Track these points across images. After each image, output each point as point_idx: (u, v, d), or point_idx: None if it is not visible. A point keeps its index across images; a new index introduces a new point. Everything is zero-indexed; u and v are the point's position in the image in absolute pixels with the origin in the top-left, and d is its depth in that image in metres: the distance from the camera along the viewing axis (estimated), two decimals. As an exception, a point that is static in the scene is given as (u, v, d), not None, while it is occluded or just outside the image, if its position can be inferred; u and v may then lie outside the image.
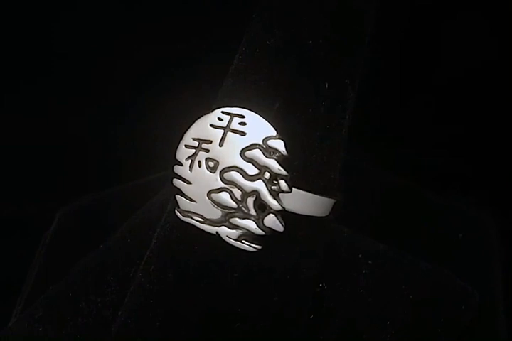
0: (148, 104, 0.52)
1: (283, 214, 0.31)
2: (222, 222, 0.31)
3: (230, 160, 0.31)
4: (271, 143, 0.30)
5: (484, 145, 0.51)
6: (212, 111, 0.32)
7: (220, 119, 0.31)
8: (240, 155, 0.30)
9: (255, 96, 0.33)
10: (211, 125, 0.31)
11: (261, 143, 0.30)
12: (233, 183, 0.30)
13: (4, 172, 0.50)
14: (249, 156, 0.30)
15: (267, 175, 0.30)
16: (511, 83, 0.50)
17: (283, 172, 0.30)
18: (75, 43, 0.52)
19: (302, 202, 0.31)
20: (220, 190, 0.31)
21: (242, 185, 0.30)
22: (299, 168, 0.32)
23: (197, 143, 0.31)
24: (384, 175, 0.46)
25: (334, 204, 0.33)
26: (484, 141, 0.51)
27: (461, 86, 0.51)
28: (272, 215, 0.31)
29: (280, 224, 0.31)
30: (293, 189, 0.31)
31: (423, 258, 0.38)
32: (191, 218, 0.31)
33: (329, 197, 0.32)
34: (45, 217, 0.47)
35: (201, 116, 0.32)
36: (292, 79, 0.33)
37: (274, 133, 0.30)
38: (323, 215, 0.32)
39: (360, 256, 0.36)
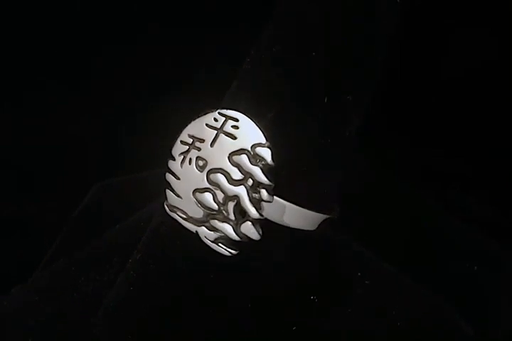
0: (153, 102, 0.52)
1: (263, 223, 0.31)
2: (203, 222, 0.31)
3: (218, 162, 0.31)
4: (258, 150, 0.30)
5: (484, 145, 0.51)
6: (211, 111, 0.32)
7: (215, 120, 0.31)
8: (228, 158, 0.31)
9: (255, 102, 0.33)
10: (206, 124, 0.32)
11: (249, 149, 0.30)
12: (217, 185, 0.31)
13: (4, 173, 0.51)
14: (235, 161, 0.30)
15: (250, 181, 0.30)
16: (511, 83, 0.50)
17: (266, 181, 0.30)
18: (75, 43, 0.52)
19: (285, 213, 0.31)
20: (205, 190, 0.31)
21: (225, 189, 0.31)
22: (288, 179, 0.32)
23: (191, 140, 0.32)
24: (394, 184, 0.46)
25: (326, 219, 0.32)
26: (484, 141, 0.51)
27: (461, 86, 0.51)
28: (249, 222, 0.31)
29: (256, 233, 0.31)
30: (276, 199, 0.31)
31: (427, 281, 0.37)
32: (176, 213, 0.32)
33: (317, 212, 0.32)
34: (45, 217, 0.48)
35: (202, 114, 0.32)
36: (292, 90, 0.32)
37: (263, 141, 0.30)
38: (310, 229, 0.32)
39: (359, 274, 0.36)
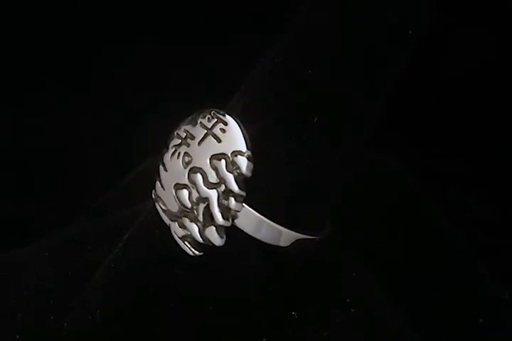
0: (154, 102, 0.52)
1: (229, 230, 0.30)
2: (177, 217, 0.32)
3: (200, 161, 0.31)
4: (237, 158, 0.30)
5: (484, 145, 0.51)
6: (210, 109, 0.32)
7: (208, 119, 0.32)
8: (210, 160, 0.31)
9: (250, 110, 0.33)
10: (200, 122, 0.32)
11: (229, 155, 0.30)
12: (195, 184, 0.31)
13: (4, 172, 0.51)
14: (214, 164, 0.30)
15: (223, 187, 0.30)
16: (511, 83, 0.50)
17: (236, 189, 0.30)
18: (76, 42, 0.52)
19: (257, 226, 0.31)
20: (184, 186, 0.31)
21: (200, 189, 0.31)
22: (266, 192, 0.32)
23: (185, 134, 0.32)
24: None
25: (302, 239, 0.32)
26: (484, 141, 0.51)
27: (461, 85, 0.51)
28: (213, 227, 0.30)
29: (219, 238, 0.30)
30: (250, 211, 0.30)
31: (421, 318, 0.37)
32: (158, 204, 0.32)
33: (291, 230, 0.32)
34: (45, 216, 0.48)
35: (203, 110, 0.32)
36: (286, 105, 0.32)
37: (244, 149, 0.30)
38: (281, 245, 0.32)
39: (348, 300, 0.35)
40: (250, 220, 0.31)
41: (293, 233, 0.31)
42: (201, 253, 0.31)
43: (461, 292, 0.40)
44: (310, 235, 0.32)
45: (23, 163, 0.51)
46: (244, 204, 0.30)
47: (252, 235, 0.31)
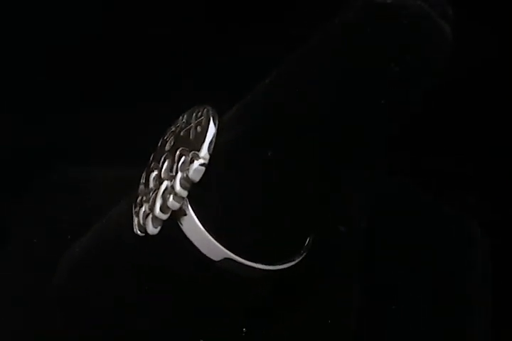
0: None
1: (167, 225, 0.30)
2: (143, 193, 0.32)
3: (174, 150, 0.31)
4: (192, 159, 0.30)
5: (484, 145, 0.51)
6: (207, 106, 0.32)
7: (196, 115, 0.32)
8: (179, 152, 0.31)
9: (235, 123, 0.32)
10: (191, 115, 0.32)
11: (190, 154, 0.30)
12: (161, 170, 0.31)
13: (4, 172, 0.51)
14: (178, 157, 0.31)
15: (172, 182, 0.30)
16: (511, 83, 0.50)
17: (177, 188, 0.30)
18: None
19: (193, 233, 0.30)
20: (156, 167, 0.32)
21: (161, 176, 0.31)
22: (214, 203, 0.31)
23: (178, 125, 0.32)
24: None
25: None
26: (485, 141, 0.51)
27: (461, 85, 0.51)
28: (151, 216, 0.30)
29: (151, 227, 0.30)
30: (191, 217, 0.30)
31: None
32: (142, 178, 0.33)
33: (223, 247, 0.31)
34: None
35: (200, 107, 0.32)
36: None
37: (202, 153, 0.30)
38: (212, 258, 0.31)
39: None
40: (191, 226, 0.30)
41: (223, 250, 0.30)
42: (143, 234, 0.31)
43: (461, 292, 0.40)
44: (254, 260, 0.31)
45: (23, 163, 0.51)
46: (190, 208, 0.30)
47: (191, 240, 0.30)
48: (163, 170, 0.31)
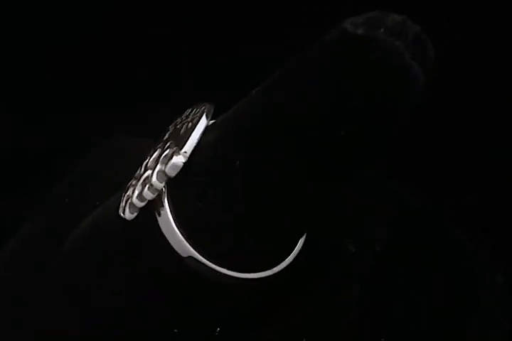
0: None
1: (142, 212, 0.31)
2: (135, 178, 0.32)
3: (165, 142, 0.31)
4: (174, 157, 0.30)
5: (484, 146, 0.51)
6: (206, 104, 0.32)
7: (195, 112, 0.32)
8: (169, 143, 0.31)
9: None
10: (190, 111, 0.32)
11: (175, 147, 0.30)
12: (151, 157, 0.31)
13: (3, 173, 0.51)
14: (165, 149, 0.31)
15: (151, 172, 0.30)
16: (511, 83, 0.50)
17: (153, 180, 0.30)
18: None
19: (166, 226, 0.30)
20: (150, 155, 0.32)
21: (147, 164, 0.31)
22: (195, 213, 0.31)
23: (182, 117, 0.33)
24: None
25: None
26: (485, 141, 0.51)
27: (461, 85, 0.51)
28: (129, 201, 0.31)
29: (128, 212, 0.31)
30: (166, 207, 0.30)
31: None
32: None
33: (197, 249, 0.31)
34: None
35: (200, 104, 0.32)
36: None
37: (185, 150, 0.30)
38: (180, 254, 0.31)
39: None
40: (164, 218, 0.30)
41: (188, 248, 0.30)
42: (124, 217, 0.31)
43: (460, 293, 0.40)
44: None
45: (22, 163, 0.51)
46: (166, 200, 0.30)
47: (163, 232, 0.30)
48: (151, 158, 0.31)
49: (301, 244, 0.33)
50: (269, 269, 0.32)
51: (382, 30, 0.28)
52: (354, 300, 0.36)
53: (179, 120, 0.33)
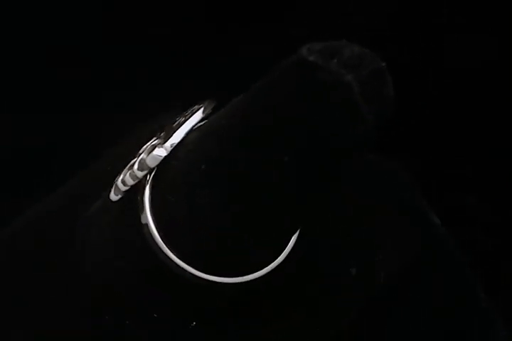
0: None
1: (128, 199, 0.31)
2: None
3: (161, 132, 0.32)
4: (156, 149, 0.30)
5: (484, 145, 0.51)
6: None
7: (194, 108, 0.32)
8: (164, 133, 0.31)
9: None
10: (190, 106, 0.33)
11: (164, 138, 0.31)
12: (145, 145, 0.32)
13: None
14: (157, 138, 0.31)
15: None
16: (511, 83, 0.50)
17: (134, 167, 0.30)
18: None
19: (144, 215, 0.31)
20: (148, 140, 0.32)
21: (140, 149, 0.32)
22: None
23: (187, 111, 0.33)
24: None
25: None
26: (484, 143, 0.51)
27: (461, 85, 0.51)
28: (115, 185, 0.32)
29: (112, 194, 0.32)
30: (146, 196, 0.31)
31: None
32: None
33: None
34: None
35: (204, 101, 0.33)
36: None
37: (166, 148, 0.30)
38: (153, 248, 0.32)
39: None
40: (144, 206, 0.31)
41: (159, 241, 0.31)
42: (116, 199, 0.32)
43: (459, 293, 0.40)
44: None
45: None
46: (147, 190, 0.31)
47: (141, 220, 0.31)
48: (145, 145, 0.32)
49: (292, 245, 0.33)
50: (254, 271, 0.32)
51: (335, 60, 0.28)
52: (354, 300, 0.36)
53: (183, 114, 0.33)
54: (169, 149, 0.30)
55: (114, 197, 0.32)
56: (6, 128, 0.51)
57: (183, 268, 0.31)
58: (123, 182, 0.31)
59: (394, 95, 0.29)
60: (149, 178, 0.31)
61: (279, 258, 0.32)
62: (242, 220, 0.31)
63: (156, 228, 0.30)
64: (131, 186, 0.31)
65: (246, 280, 0.31)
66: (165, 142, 0.30)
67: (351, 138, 0.29)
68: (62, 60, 0.52)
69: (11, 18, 0.51)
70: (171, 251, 0.30)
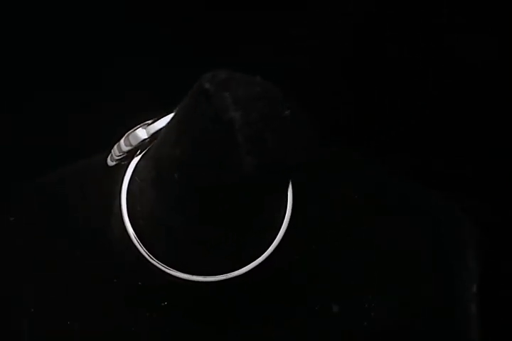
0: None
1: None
2: None
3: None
4: (140, 128, 0.32)
5: (484, 145, 0.51)
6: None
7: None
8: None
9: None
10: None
11: (149, 128, 0.32)
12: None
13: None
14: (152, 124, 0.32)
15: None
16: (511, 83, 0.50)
17: (121, 141, 0.32)
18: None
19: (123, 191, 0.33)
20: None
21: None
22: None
23: None
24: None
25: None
26: (484, 141, 0.51)
27: (461, 85, 0.51)
28: (111, 152, 0.33)
29: (109, 159, 0.33)
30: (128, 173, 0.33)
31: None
32: None
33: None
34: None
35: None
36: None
37: (149, 130, 0.32)
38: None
39: None
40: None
41: (126, 222, 0.32)
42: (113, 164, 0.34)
43: (457, 292, 0.39)
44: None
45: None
46: (130, 167, 0.32)
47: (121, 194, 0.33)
48: (140, 124, 0.33)
49: (273, 249, 0.33)
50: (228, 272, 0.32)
51: (227, 94, 0.27)
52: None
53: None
54: (150, 133, 0.31)
55: (110, 163, 0.33)
56: (6, 128, 0.51)
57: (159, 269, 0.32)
58: (114, 151, 0.33)
59: (299, 147, 0.27)
60: (136, 154, 0.32)
61: (259, 259, 0.33)
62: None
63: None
64: (121, 156, 0.33)
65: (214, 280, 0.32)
66: (150, 123, 0.32)
67: (226, 174, 0.28)
68: (62, 60, 0.52)
69: (12, 18, 0.52)
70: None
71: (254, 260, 0.32)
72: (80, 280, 0.35)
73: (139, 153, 0.32)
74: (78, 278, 0.35)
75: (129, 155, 0.33)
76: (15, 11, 0.51)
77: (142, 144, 0.32)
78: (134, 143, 0.32)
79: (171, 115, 0.31)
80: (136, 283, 0.34)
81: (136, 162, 0.32)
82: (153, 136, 0.31)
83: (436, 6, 0.50)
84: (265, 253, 0.33)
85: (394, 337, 0.37)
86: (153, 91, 0.52)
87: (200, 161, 0.28)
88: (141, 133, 0.32)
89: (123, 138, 0.32)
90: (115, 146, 0.33)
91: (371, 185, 0.40)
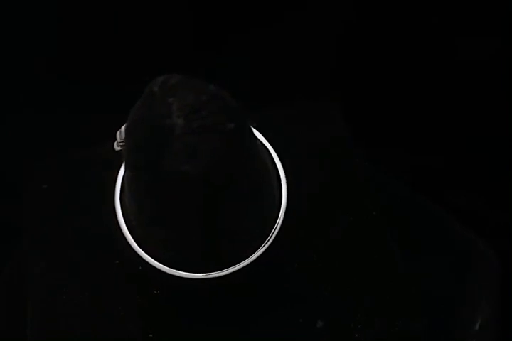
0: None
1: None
2: None
3: None
4: None
5: (484, 145, 0.51)
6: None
7: None
8: None
9: None
10: None
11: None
12: None
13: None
14: None
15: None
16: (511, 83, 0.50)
17: (117, 134, 0.33)
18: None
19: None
20: None
21: None
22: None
23: None
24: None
25: None
26: (484, 141, 0.51)
27: (461, 85, 0.51)
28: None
29: (115, 144, 0.34)
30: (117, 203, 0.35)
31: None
32: None
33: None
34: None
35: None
36: None
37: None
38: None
39: None
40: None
41: (127, 237, 0.33)
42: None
43: (457, 293, 0.40)
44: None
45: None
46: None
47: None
48: None
49: (265, 248, 0.33)
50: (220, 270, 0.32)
51: (171, 99, 0.27)
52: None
53: None
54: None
55: (116, 147, 0.34)
56: (7, 128, 0.52)
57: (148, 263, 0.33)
58: (117, 137, 0.33)
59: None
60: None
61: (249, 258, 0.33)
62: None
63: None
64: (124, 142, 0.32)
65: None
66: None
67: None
68: (62, 61, 0.52)
69: (12, 18, 0.52)
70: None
71: (237, 263, 0.33)
72: (85, 253, 0.37)
73: None
74: (83, 251, 0.37)
75: None
76: (16, 11, 0.51)
77: None
78: (119, 138, 0.33)
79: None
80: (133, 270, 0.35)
81: None
82: None
83: (436, 6, 0.50)
84: (251, 256, 0.33)
85: None
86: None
87: (138, 163, 0.28)
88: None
89: (124, 125, 0.32)
90: (118, 133, 0.33)
91: (394, 202, 0.41)
